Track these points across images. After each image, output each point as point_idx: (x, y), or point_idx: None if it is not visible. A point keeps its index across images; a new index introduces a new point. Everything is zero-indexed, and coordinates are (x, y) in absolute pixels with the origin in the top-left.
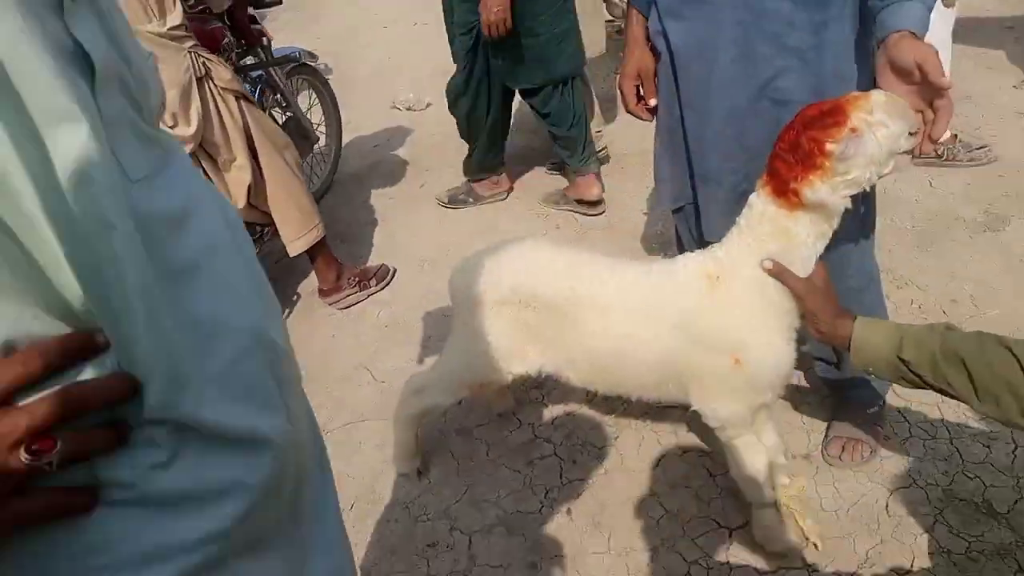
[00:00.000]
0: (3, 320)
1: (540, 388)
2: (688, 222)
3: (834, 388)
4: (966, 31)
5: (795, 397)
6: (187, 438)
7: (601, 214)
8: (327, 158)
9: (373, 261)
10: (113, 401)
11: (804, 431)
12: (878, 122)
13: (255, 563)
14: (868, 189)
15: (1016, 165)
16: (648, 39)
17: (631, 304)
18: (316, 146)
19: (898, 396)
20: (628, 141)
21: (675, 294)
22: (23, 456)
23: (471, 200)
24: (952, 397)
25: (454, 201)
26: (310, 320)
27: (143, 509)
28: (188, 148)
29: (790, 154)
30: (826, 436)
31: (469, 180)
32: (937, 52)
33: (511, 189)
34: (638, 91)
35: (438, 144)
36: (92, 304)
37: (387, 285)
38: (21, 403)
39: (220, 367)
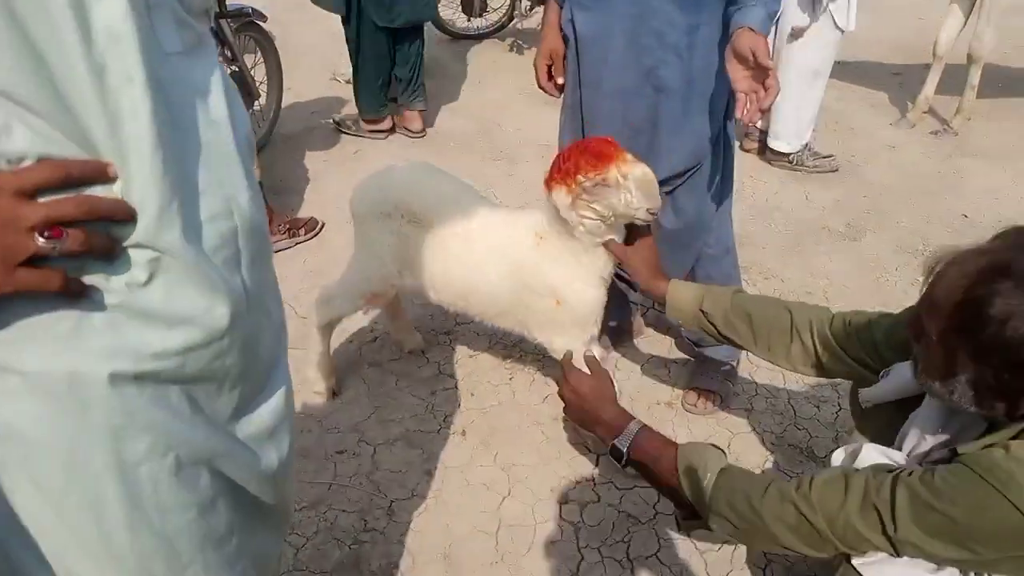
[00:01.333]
0: (40, 141)
1: (448, 333)
2: None
3: (696, 348)
4: (859, 74)
5: (665, 355)
6: (164, 268)
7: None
8: (266, 115)
9: (304, 214)
10: (114, 218)
11: (669, 384)
12: (626, 188)
13: (211, 392)
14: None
15: (879, 189)
16: (561, 27)
17: (489, 242)
18: (257, 103)
19: (750, 363)
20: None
21: (515, 243)
22: (37, 238)
23: (355, 129)
24: (736, 345)
25: (343, 125)
26: None
27: (116, 314)
28: None
29: (561, 159)
30: (686, 387)
31: (359, 117)
32: (766, 42)
33: (392, 129)
34: (549, 71)
35: None
36: (110, 141)
37: (315, 236)
38: (43, 200)
39: (199, 219)
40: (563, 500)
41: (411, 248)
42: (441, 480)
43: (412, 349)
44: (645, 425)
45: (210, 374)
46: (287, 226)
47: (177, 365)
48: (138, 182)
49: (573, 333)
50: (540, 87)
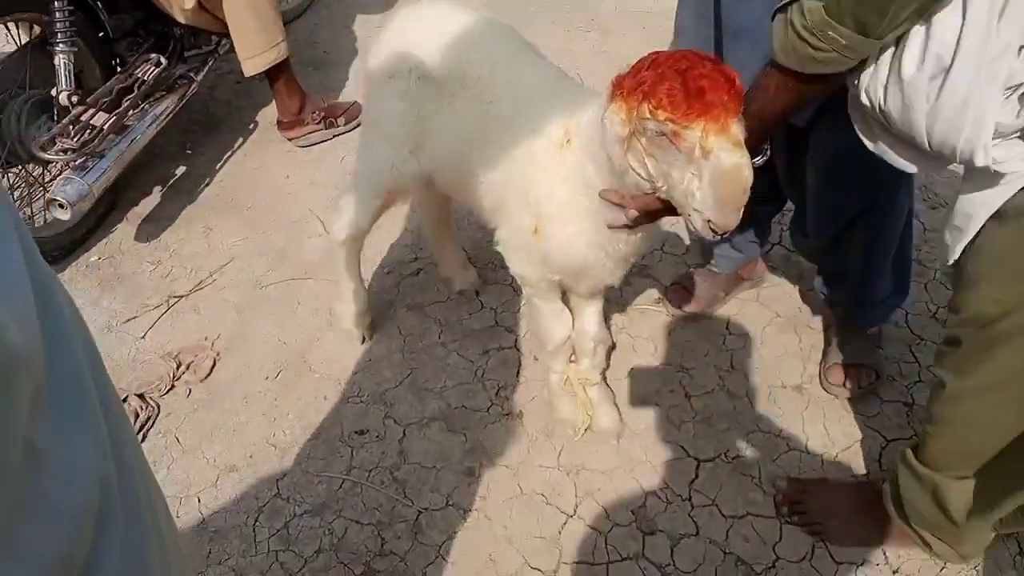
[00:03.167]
0: None
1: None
2: None
3: (834, 307)
4: None
5: (793, 317)
6: None
7: None
8: None
9: (346, 97)
10: None
11: (800, 359)
12: (696, 168)
13: None
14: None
15: None
16: None
17: (503, 112)
18: None
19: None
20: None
21: (537, 131)
22: None
23: None
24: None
25: None
26: (263, 154)
27: None
28: None
29: (645, 65)
30: (824, 361)
31: None
32: None
33: None
34: None
35: None
36: None
37: (358, 126)
38: None
39: None
40: (648, 529)
41: (420, 114)
42: (487, 485)
43: (463, 289)
44: None
45: None
46: (322, 114)
47: None
48: None
49: (539, 269)
50: None
